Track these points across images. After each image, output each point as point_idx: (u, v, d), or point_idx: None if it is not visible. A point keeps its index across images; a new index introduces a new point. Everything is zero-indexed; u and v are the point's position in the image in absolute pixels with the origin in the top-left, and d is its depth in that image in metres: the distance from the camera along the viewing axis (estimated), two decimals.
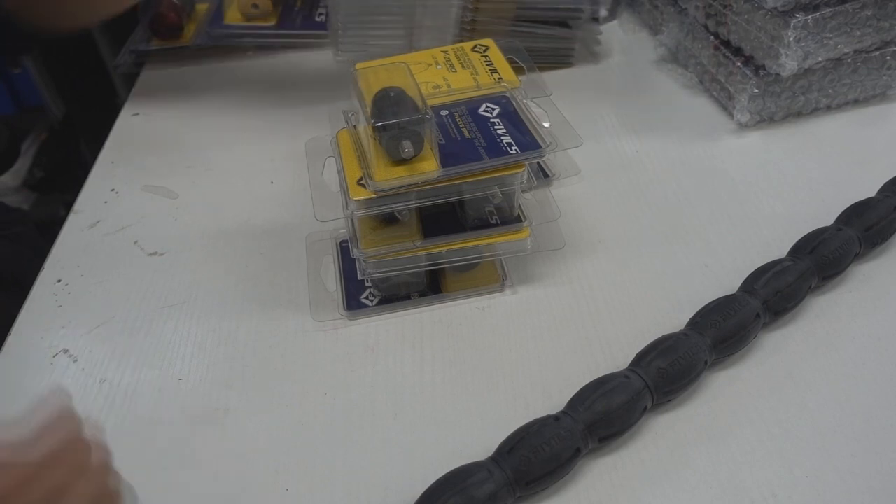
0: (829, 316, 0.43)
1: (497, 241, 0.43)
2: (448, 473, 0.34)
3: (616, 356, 0.41)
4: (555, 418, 0.35)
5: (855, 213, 0.45)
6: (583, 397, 0.36)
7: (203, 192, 0.54)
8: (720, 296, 0.41)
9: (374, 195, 0.39)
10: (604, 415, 0.35)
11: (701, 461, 0.36)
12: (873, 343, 0.41)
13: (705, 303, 0.41)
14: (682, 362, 0.37)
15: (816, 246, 0.43)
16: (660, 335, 0.39)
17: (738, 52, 0.56)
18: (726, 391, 0.39)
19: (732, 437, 0.37)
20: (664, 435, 0.37)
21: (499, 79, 0.46)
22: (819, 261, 0.43)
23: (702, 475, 0.35)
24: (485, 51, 0.49)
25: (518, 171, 0.41)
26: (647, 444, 0.37)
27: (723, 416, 0.38)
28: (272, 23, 0.70)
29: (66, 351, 0.43)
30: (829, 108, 0.58)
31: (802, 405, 0.38)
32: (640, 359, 0.38)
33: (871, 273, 0.45)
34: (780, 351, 0.41)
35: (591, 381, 0.37)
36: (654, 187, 0.52)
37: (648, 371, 0.37)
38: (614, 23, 0.71)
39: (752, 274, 0.43)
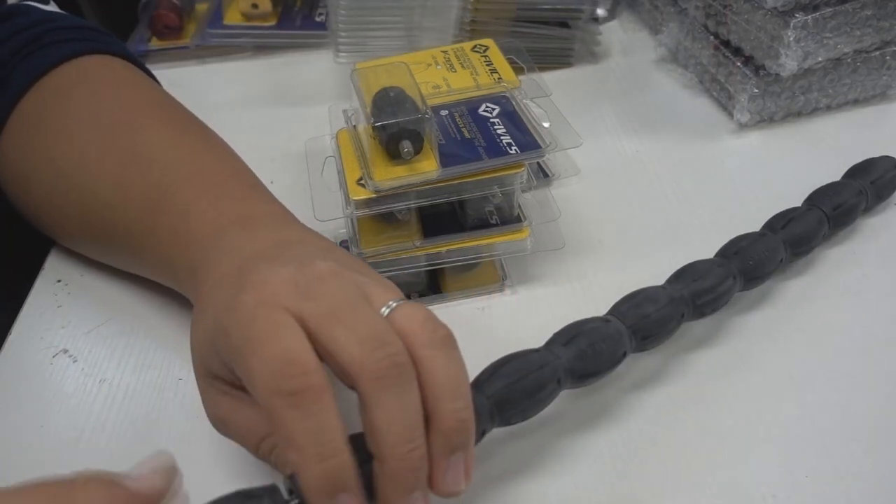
0: (829, 315, 0.43)
1: (497, 241, 0.43)
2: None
3: None
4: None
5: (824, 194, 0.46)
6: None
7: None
8: None
9: (373, 195, 0.39)
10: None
11: (700, 461, 0.36)
12: (874, 343, 0.41)
13: None
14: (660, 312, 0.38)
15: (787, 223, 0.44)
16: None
17: (738, 52, 0.56)
18: (726, 391, 0.39)
19: (732, 436, 0.37)
20: (664, 435, 0.37)
21: (499, 79, 0.46)
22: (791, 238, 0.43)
23: (701, 475, 0.35)
24: (485, 51, 0.49)
25: (518, 171, 0.41)
26: (647, 443, 0.37)
27: (722, 416, 0.38)
28: (272, 23, 0.70)
29: (65, 351, 0.43)
30: (829, 108, 0.58)
31: (802, 405, 0.38)
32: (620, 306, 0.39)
33: (872, 270, 0.45)
34: (779, 351, 0.41)
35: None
36: (654, 187, 0.52)
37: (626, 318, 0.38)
38: (614, 23, 0.71)
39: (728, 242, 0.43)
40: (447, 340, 0.29)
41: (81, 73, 0.44)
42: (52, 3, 0.50)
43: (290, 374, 0.26)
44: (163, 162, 0.40)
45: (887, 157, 0.49)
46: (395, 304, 0.29)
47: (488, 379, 0.33)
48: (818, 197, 0.46)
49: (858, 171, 0.49)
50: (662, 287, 0.39)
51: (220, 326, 0.29)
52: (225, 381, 0.31)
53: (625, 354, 0.36)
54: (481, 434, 0.32)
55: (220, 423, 0.33)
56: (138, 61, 0.49)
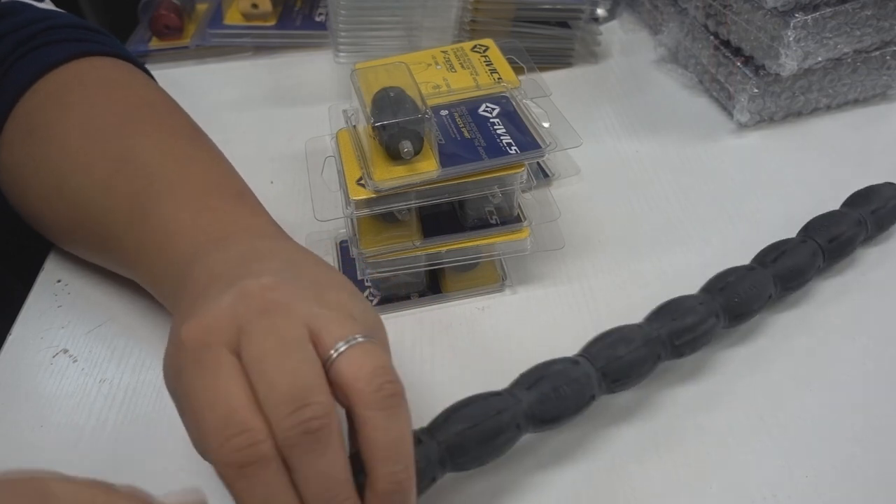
0: (828, 315, 0.43)
1: (497, 241, 0.43)
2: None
3: None
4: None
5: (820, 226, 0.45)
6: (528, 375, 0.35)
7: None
8: None
9: (373, 195, 0.39)
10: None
11: (700, 461, 0.36)
12: (874, 343, 0.41)
13: None
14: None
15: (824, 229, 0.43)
16: None
17: (737, 52, 0.56)
18: (726, 391, 0.39)
19: (732, 437, 0.37)
20: (665, 434, 0.37)
21: (498, 79, 0.46)
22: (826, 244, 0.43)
23: (701, 475, 0.35)
24: (485, 51, 0.49)
25: (518, 171, 0.41)
26: (647, 444, 0.37)
27: (722, 417, 0.38)
28: (272, 23, 0.70)
29: (66, 351, 0.43)
30: (829, 108, 0.58)
31: (802, 405, 0.38)
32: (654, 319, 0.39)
33: (871, 265, 0.45)
34: (779, 351, 0.41)
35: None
36: (654, 187, 0.52)
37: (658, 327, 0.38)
38: (614, 23, 0.71)
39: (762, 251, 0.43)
40: (393, 399, 0.27)
41: (76, 77, 0.44)
42: (47, 0, 0.50)
43: (237, 445, 0.25)
44: (150, 168, 0.40)
45: (890, 184, 0.47)
46: (344, 348, 0.27)
47: (442, 424, 0.32)
48: (814, 228, 0.44)
49: (859, 199, 0.46)
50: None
51: (169, 365, 0.30)
52: None
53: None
54: (431, 480, 0.31)
55: None
56: (133, 59, 0.48)
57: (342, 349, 0.27)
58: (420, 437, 0.31)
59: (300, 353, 0.27)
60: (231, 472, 0.26)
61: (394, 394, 0.27)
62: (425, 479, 0.30)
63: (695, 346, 0.38)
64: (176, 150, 0.41)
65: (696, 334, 0.37)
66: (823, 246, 0.43)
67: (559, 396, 0.34)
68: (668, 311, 0.38)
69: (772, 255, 0.42)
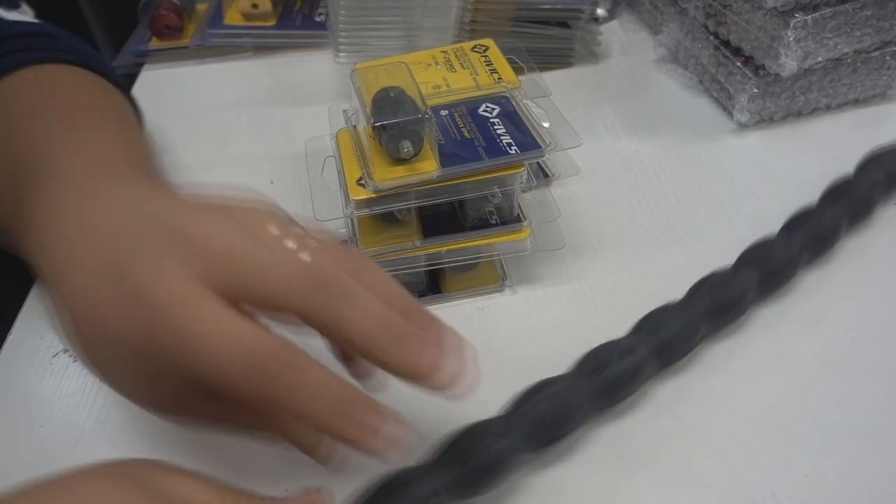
0: (828, 313, 0.43)
1: (497, 241, 0.43)
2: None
3: None
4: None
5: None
6: (525, 397, 0.36)
7: (203, 191, 0.53)
8: None
9: (373, 195, 0.39)
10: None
11: (700, 461, 0.36)
12: (874, 342, 0.41)
13: None
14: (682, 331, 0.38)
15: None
16: None
17: (737, 52, 0.56)
18: (726, 391, 0.39)
19: (732, 437, 0.37)
20: (664, 435, 0.37)
21: (498, 79, 0.46)
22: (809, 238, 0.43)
23: (701, 475, 0.35)
24: (484, 51, 0.49)
25: (518, 171, 0.41)
26: (648, 444, 0.37)
27: (722, 417, 0.38)
28: (272, 23, 0.70)
29: (66, 351, 0.43)
30: (829, 108, 0.58)
31: (802, 405, 0.38)
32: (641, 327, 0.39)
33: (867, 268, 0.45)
34: (779, 351, 0.41)
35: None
36: (654, 187, 0.52)
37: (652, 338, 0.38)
38: (614, 23, 0.71)
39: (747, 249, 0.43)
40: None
41: (14, 84, 0.39)
42: (23, 5, 0.47)
43: (264, 366, 0.25)
44: (37, 145, 0.34)
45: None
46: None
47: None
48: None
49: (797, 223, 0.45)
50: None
51: (135, 318, 0.26)
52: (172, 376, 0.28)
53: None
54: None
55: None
56: (102, 67, 0.43)
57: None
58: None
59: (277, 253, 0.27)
60: (272, 390, 0.25)
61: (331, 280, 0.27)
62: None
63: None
64: (76, 134, 0.35)
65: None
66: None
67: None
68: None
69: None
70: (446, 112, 0.44)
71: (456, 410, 0.37)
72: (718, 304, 0.40)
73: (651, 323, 0.39)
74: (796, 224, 0.45)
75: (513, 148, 0.41)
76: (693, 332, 0.39)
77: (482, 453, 0.32)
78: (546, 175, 0.53)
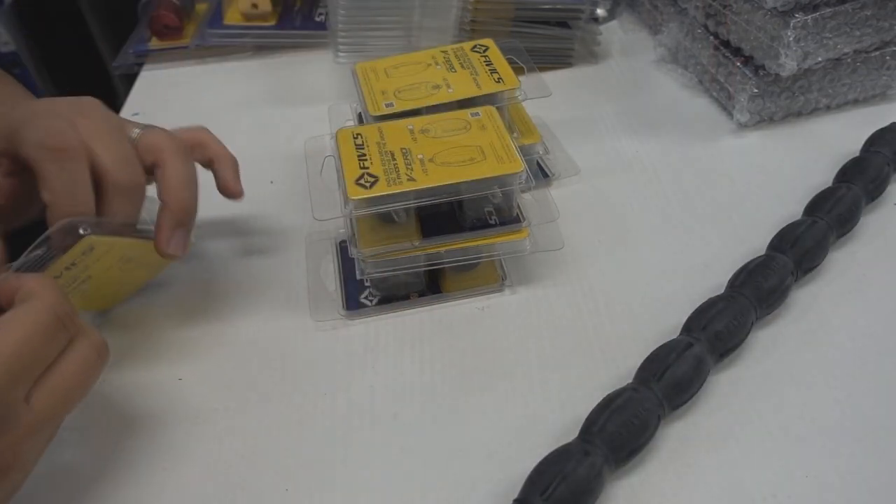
0: (829, 315, 0.43)
1: (496, 242, 0.43)
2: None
3: (616, 356, 0.41)
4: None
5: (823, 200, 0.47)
6: (593, 419, 0.35)
7: (202, 191, 0.53)
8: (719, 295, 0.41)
9: (372, 195, 0.39)
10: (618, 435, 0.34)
11: (701, 461, 0.36)
12: (874, 342, 0.41)
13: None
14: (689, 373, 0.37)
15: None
16: (658, 335, 0.40)
17: (737, 52, 0.56)
18: (726, 392, 0.39)
19: (732, 437, 0.37)
20: (664, 437, 0.37)
21: (498, 79, 0.46)
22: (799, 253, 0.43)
23: (701, 475, 0.35)
24: (484, 51, 0.49)
25: (517, 171, 0.41)
26: (648, 445, 0.37)
27: (722, 417, 0.38)
28: (272, 23, 0.70)
29: None
30: (828, 108, 0.58)
31: (802, 405, 0.38)
32: (646, 370, 0.38)
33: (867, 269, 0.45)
34: (779, 351, 0.41)
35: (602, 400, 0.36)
36: (654, 187, 0.52)
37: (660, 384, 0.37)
38: (614, 23, 0.71)
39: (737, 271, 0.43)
40: (185, 150, 0.40)
41: None
42: None
43: (55, 137, 0.35)
44: None
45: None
46: (139, 132, 0.40)
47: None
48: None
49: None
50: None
51: (12, 125, 0.37)
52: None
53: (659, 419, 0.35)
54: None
55: None
56: None
57: (138, 132, 0.40)
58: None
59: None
60: (46, 154, 0.35)
61: (182, 146, 0.40)
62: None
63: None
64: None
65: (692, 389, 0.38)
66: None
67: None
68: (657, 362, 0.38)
69: (701, 321, 0.40)
70: None
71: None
72: (762, 291, 0.40)
73: (700, 319, 0.39)
74: (818, 206, 0.46)
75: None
76: (744, 321, 0.39)
77: (570, 478, 0.32)
78: (546, 175, 0.53)
